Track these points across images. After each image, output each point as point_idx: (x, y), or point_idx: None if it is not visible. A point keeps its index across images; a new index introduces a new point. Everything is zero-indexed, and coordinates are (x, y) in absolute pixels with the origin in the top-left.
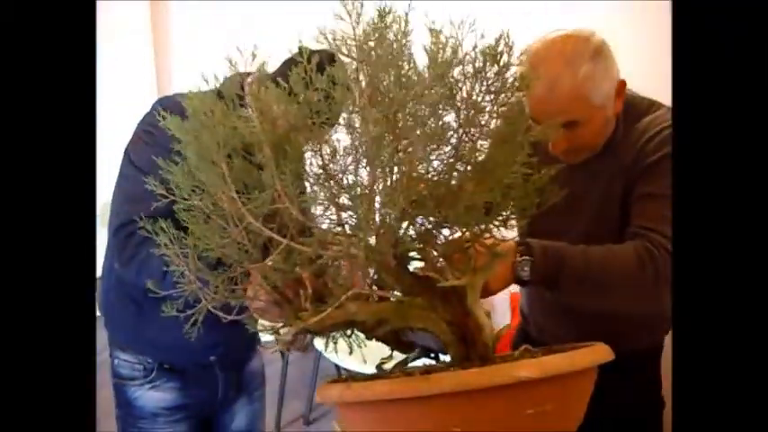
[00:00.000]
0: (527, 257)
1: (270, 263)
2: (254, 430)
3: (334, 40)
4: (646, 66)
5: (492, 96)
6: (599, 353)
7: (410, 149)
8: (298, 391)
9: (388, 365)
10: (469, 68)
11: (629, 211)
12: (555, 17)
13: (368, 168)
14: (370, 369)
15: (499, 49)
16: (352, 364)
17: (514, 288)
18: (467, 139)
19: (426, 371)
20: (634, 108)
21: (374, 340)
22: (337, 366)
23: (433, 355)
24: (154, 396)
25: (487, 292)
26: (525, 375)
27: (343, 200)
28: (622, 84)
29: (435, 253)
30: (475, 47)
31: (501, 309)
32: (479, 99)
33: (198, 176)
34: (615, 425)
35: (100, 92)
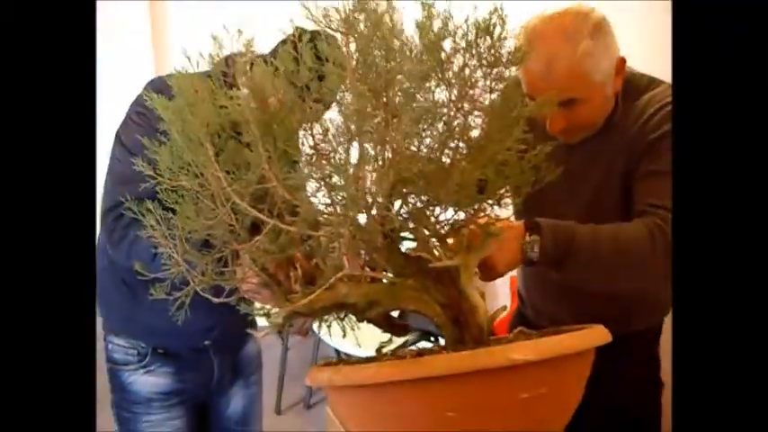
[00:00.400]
0: (535, 236)
1: (257, 243)
2: (250, 414)
3: (324, 16)
4: (646, 64)
5: (485, 70)
6: (595, 335)
7: (401, 125)
8: (298, 376)
9: (388, 349)
10: (462, 42)
11: (633, 190)
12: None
13: (357, 146)
14: (370, 353)
15: (492, 21)
16: (352, 348)
17: (514, 271)
18: (459, 115)
19: (419, 354)
20: (633, 85)
21: (366, 323)
22: (337, 351)
23: (432, 338)
24: (148, 381)
25: (495, 273)
26: (519, 358)
27: (335, 179)
28: (622, 61)
29: (427, 232)
30: (467, 19)
31: (502, 292)
32: (472, 73)
33: (185, 156)
34: (614, 406)
35: (100, 92)
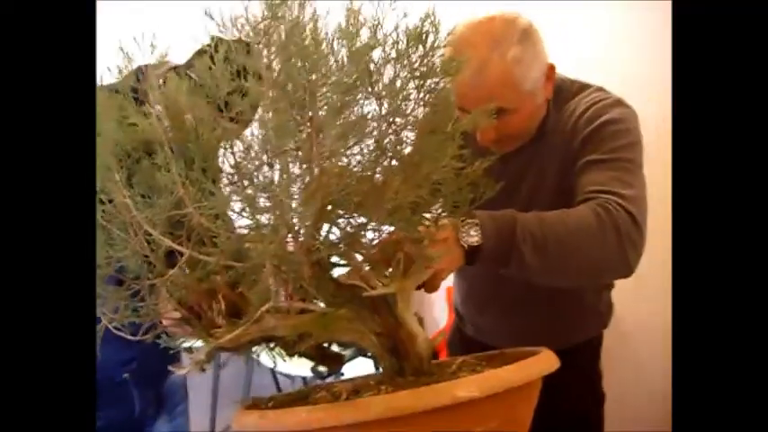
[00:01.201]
0: (471, 220)
1: (171, 276)
2: None
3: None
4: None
5: (417, 82)
6: (543, 363)
7: (326, 142)
8: (232, 397)
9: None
10: (392, 52)
11: (573, 187)
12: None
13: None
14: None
15: (425, 29)
16: (288, 366)
17: (450, 281)
18: (391, 130)
19: (355, 389)
20: (564, 91)
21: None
22: (272, 370)
23: (369, 354)
24: None
25: (437, 280)
26: (463, 395)
27: (261, 201)
28: (551, 68)
29: (359, 258)
30: (397, 27)
31: (438, 306)
32: (404, 85)
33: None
34: (557, 418)
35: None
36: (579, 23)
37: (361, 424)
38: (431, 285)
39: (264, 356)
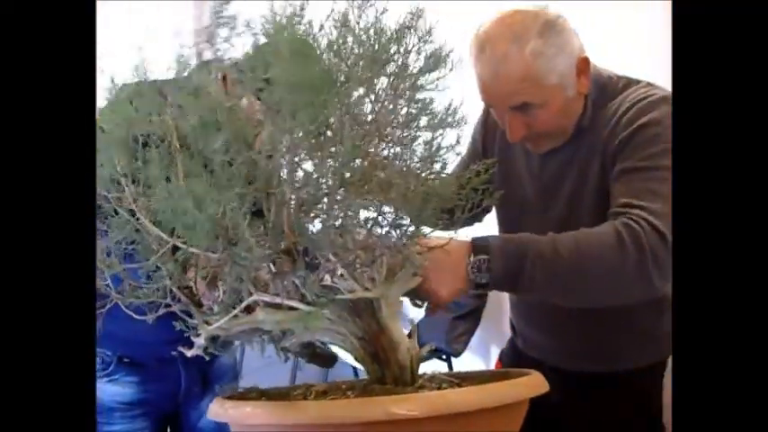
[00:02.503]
0: (483, 256)
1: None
2: (226, 428)
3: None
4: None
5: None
6: (512, 389)
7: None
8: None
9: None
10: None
11: (609, 195)
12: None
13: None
14: None
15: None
16: None
17: None
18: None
19: (326, 391)
20: (608, 88)
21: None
22: (354, 369)
23: (444, 356)
24: (111, 390)
25: (437, 300)
26: (400, 413)
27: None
28: (584, 61)
29: (334, 259)
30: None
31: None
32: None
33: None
34: None
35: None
36: (579, 23)
37: (295, 425)
38: (434, 311)
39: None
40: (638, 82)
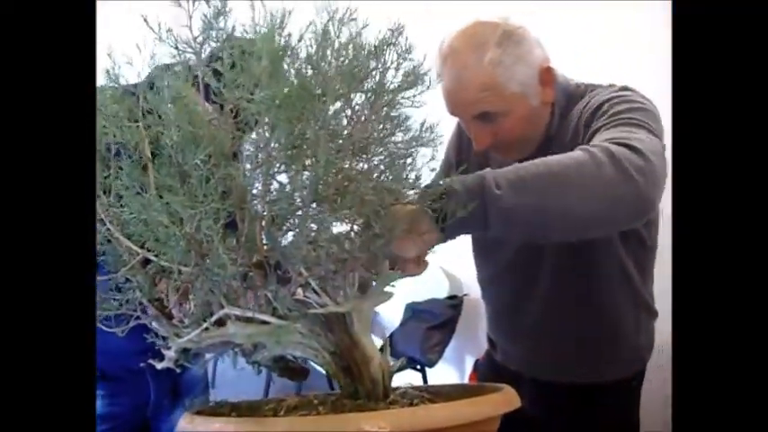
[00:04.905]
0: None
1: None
2: None
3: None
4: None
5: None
6: (483, 404)
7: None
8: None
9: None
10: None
11: None
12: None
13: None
14: None
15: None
16: None
17: None
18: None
19: (296, 405)
20: (570, 95)
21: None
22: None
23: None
24: None
25: (409, 261)
26: (371, 430)
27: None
28: (547, 70)
29: (306, 273)
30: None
31: None
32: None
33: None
34: None
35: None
36: (579, 23)
37: None
38: (406, 266)
39: None
40: (599, 85)
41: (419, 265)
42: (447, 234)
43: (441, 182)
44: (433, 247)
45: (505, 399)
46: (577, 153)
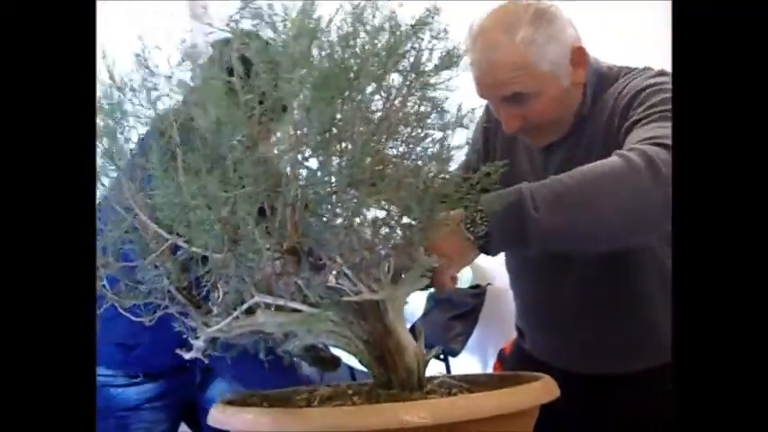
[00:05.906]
0: (474, 208)
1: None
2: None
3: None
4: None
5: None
6: (525, 394)
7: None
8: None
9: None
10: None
11: None
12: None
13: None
14: None
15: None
16: None
17: None
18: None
19: (330, 396)
20: (603, 76)
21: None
22: None
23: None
24: (134, 390)
25: (442, 276)
26: (411, 420)
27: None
28: (579, 50)
29: (340, 261)
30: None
31: None
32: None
33: None
34: None
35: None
36: (578, 23)
37: None
38: (438, 281)
39: None
40: (634, 68)
41: (453, 282)
42: (490, 253)
43: (478, 199)
44: (464, 265)
45: (546, 388)
46: (614, 159)
